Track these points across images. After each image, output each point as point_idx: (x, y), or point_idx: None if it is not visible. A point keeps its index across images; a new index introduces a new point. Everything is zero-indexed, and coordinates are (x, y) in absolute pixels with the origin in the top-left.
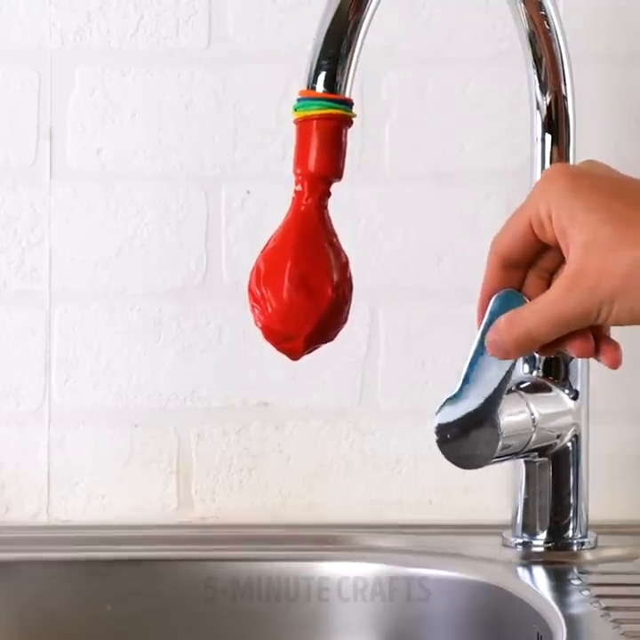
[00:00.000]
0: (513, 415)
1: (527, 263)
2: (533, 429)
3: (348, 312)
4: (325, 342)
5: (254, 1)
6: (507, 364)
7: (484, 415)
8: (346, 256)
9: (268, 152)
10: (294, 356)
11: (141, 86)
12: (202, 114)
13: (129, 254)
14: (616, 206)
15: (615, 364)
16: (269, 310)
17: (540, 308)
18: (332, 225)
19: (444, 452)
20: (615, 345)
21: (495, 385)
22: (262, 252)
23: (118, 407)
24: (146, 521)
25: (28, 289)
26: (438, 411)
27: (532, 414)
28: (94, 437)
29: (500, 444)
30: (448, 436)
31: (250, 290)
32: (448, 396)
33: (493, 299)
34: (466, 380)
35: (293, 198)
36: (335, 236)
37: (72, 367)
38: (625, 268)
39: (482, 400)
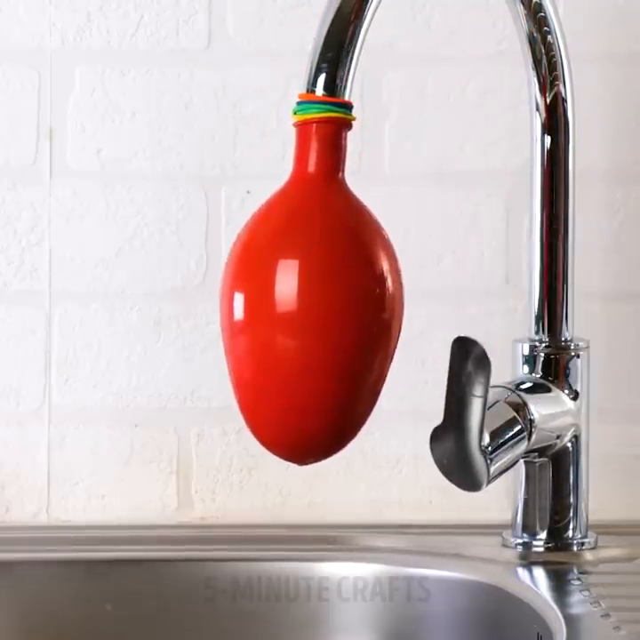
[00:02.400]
0: (504, 433)
1: None
2: (527, 439)
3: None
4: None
5: (254, 1)
6: (482, 395)
7: (470, 447)
8: (396, 266)
9: (268, 152)
10: None
11: (141, 86)
12: (202, 114)
13: (129, 254)
14: None
15: None
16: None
17: None
18: (360, 203)
19: (446, 477)
20: None
21: (474, 416)
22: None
23: (118, 407)
24: (146, 521)
25: (28, 289)
26: (430, 441)
27: (531, 416)
28: (94, 437)
29: (492, 469)
30: (445, 460)
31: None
32: (435, 427)
33: None
34: (447, 412)
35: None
36: (374, 231)
37: (72, 367)
38: None
39: (465, 433)
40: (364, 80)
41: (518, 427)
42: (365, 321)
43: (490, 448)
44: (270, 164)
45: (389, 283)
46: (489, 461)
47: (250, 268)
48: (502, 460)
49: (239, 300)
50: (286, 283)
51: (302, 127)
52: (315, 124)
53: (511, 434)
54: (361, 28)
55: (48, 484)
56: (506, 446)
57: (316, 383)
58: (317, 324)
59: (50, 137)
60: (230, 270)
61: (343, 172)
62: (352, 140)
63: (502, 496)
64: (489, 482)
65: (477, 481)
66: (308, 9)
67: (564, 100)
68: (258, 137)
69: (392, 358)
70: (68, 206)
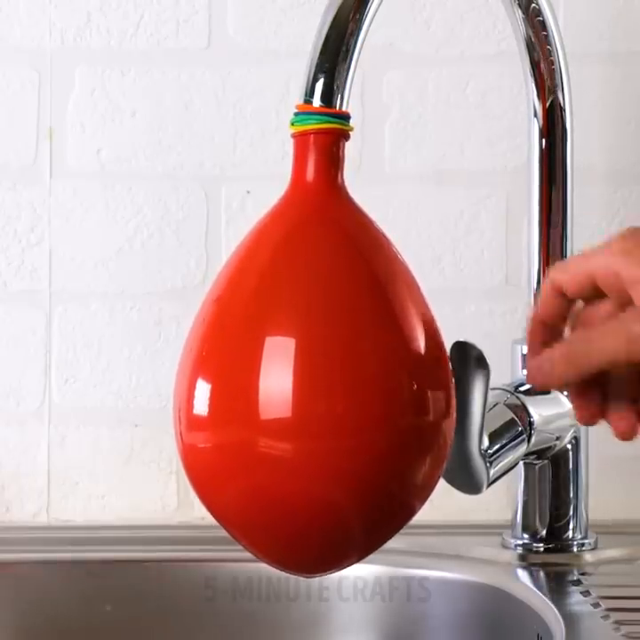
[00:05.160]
0: (504, 436)
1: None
2: (526, 441)
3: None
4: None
5: (254, 1)
6: (481, 398)
7: (469, 451)
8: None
9: (268, 152)
10: None
11: (141, 86)
12: (202, 114)
13: (129, 254)
14: None
15: None
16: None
17: (606, 328)
18: (363, 216)
19: (445, 480)
20: None
21: (474, 419)
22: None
23: (118, 407)
24: (146, 521)
25: (28, 289)
26: None
27: (530, 418)
28: (94, 437)
29: (492, 472)
30: None
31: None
32: None
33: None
34: None
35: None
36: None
37: (72, 367)
38: None
39: (464, 436)
40: (364, 80)
41: (518, 429)
42: (399, 427)
43: (489, 451)
44: (270, 164)
45: (431, 372)
46: (488, 464)
47: (224, 343)
48: (502, 463)
49: (203, 389)
50: (275, 374)
51: (300, 138)
52: (312, 135)
53: (511, 436)
54: (359, 36)
55: (48, 484)
56: (505, 449)
57: (318, 496)
58: (322, 429)
59: (50, 137)
60: (197, 338)
61: (342, 181)
62: (352, 139)
63: (502, 496)
64: (489, 485)
65: (477, 484)
66: (308, 9)
67: (562, 107)
68: (258, 137)
69: (445, 459)
70: (67, 206)
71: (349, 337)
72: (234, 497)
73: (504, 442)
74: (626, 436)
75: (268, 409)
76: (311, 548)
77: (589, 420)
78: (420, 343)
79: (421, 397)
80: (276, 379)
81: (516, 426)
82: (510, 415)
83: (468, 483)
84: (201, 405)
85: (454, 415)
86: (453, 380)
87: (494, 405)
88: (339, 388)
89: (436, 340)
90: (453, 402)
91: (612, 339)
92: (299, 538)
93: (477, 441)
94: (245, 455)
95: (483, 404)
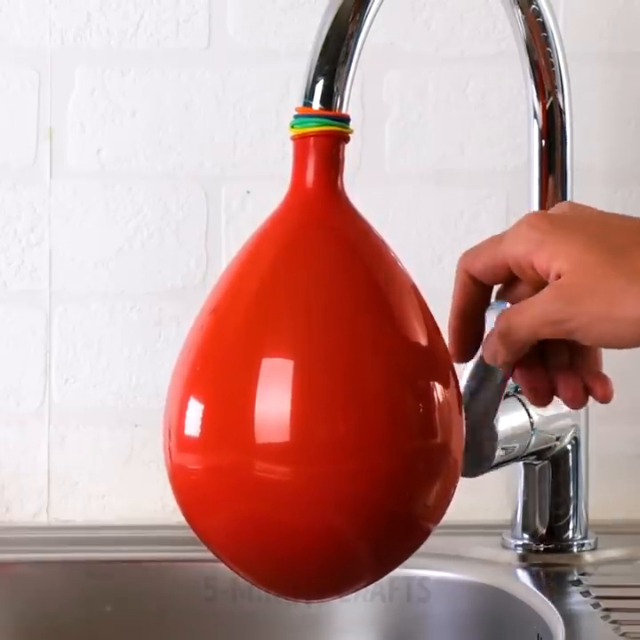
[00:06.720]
0: (511, 420)
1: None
2: (532, 432)
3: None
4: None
5: (254, 1)
6: (498, 377)
7: (481, 426)
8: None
9: (268, 152)
10: None
11: (141, 86)
12: (202, 114)
13: (129, 254)
14: (595, 239)
15: (605, 397)
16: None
17: (525, 305)
18: (365, 225)
19: None
20: (605, 380)
21: (490, 397)
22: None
23: (118, 407)
24: (146, 521)
25: (28, 289)
26: None
27: (531, 417)
28: (94, 437)
29: (498, 451)
30: None
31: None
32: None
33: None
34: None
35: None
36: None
37: (72, 367)
38: (607, 293)
39: (478, 412)
40: (364, 80)
41: (522, 419)
42: (404, 448)
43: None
44: (270, 164)
45: (438, 391)
46: (496, 441)
47: (219, 359)
48: (507, 445)
49: (196, 409)
50: (273, 394)
51: (300, 141)
52: (312, 138)
53: (515, 425)
54: (359, 37)
55: (48, 484)
56: (510, 436)
57: (317, 521)
58: (322, 452)
59: (50, 137)
60: (193, 351)
61: (342, 184)
62: (352, 139)
63: (502, 496)
64: (491, 468)
65: (484, 462)
66: (308, 9)
67: (562, 107)
68: (258, 137)
69: (456, 478)
70: (68, 206)
71: (350, 355)
72: (226, 521)
73: (510, 429)
74: (576, 403)
75: (265, 430)
76: (310, 574)
77: (543, 400)
78: (425, 359)
79: (427, 416)
80: (274, 399)
81: (522, 416)
82: (518, 405)
83: (477, 456)
84: (193, 425)
85: (463, 432)
86: (462, 395)
87: (507, 395)
88: (340, 407)
89: (441, 352)
90: (462, 419)
91: (530, 318)
92: (297, 564)
93: (492, 417)
94: (241, 478)
95: (497, 393)
